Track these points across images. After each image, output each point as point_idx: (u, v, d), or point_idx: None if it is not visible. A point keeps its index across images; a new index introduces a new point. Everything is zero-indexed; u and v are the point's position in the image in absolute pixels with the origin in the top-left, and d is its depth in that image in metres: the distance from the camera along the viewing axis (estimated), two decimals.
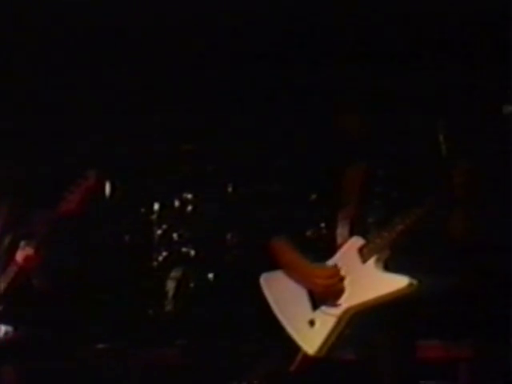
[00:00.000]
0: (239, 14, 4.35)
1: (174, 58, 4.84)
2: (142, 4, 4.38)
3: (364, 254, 2.89)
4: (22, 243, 3.22)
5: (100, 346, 4.45)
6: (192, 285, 4.59)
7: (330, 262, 2.95)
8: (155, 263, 4.80)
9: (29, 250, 3.19)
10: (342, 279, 2.89)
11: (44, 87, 4.69)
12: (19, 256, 3.22)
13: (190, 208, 4.89)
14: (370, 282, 2.85)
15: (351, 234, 2.96)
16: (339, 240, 2.98)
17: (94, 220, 4.93)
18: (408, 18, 4.13)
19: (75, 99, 4.83)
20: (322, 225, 3.05)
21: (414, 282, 2.79)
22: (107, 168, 4.84)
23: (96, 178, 3.10)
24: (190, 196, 4.88)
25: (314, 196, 3.07)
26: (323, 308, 2.91)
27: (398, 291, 2.79)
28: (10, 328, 3.30)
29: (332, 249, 2.98)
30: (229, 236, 4.73)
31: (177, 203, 4.93)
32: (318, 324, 2.90)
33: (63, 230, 3.17)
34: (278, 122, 4.71)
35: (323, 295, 2.91)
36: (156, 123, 4.97)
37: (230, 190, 4.84)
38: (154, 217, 4.96)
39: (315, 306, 2.94)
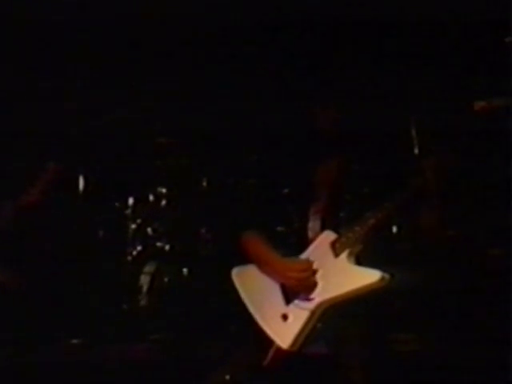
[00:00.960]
0: None
1: (146, 52, 4.83)
2: None
3: (336, 248, 2.89)
4: None
5: (74, 341, 4.43)
6: (166, 279, 4.59)
7: (303, 257, 2.95)
8: (129, 258, 4.79)
9: None
10: (314, 273, 2.89)
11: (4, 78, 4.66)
12: None
13: (164, 202, 4.89)
14: (342, 275, 2.85)
15: (323, 228, 2.96)
16: (311, 234, 2.98)
17: (67, 214, 4.93)
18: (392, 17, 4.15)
19: (43, 89, 4.81)
20: (294, 219, 3.05)
21: (386, 276, 2.80)
22: (80, 162, 4.85)
23: (54, 170, 3.11)
24: (164, 190, 4.88)
25: (285, 190, 3.07)
26: (296, 302, 2.91)
27: (371, 285, 2.79)
28: None
29: (304, 243, 2.97)
30: (203, 230, 4.74)
31: (151, 197, 4.93)
32: (291, 318, 2.90)
33: (28, 223, 3.17)
34: (253, 117, 4.72)
35: (296, 289, 2.91)
36: (130, 117, 4.95)
37: (204, 184, 4.84)
38: (128, 211, 4.95)
39: (288, 300, 2.93)
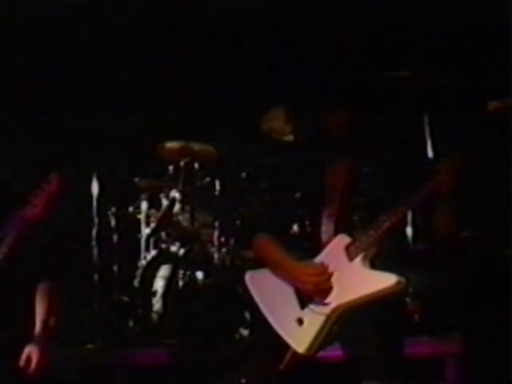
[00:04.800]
0: None
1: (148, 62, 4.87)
2: None
3: (351, 252, 2.88)
4: None
5: (89, 346, 4.44)
6: (181, 283, 4.58)
7: (317, 261, 2.94)
8: (144, 262, 4.79)
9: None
10: (329, 277, 2.88)
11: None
12: None
13: (178, 207, 4.89)
14: (357, 280, 2.84)
15: (336, 232, 2.95)
16: (324, 238, 2.97)
17: (80, 219, 4.95)
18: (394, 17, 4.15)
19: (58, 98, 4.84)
20: (307, 223, 3.04)
21: (402, 279, 2.79)
22: (94, 166, 4.87)
23: (58, 181, 3.09)
24: (177, 195, 4.87)
25: (298, 194, 3.06)
26: (311, 306, 2.90)
27: (386, 289, 2.78)
28: None
29: (318, 247, 2.96)
30: (216, 234, 4.73)
31: (165, 202, 4.93)
32: (306, 322, 2.89)
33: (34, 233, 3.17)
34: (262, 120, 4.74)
35: (311, 293, 2.90)
36: (141, 122, 4.97)
37: (217, 187, 4.83)
38: (141, 216, 4.96)
39: (303, 304, 2.92)
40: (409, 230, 3.45)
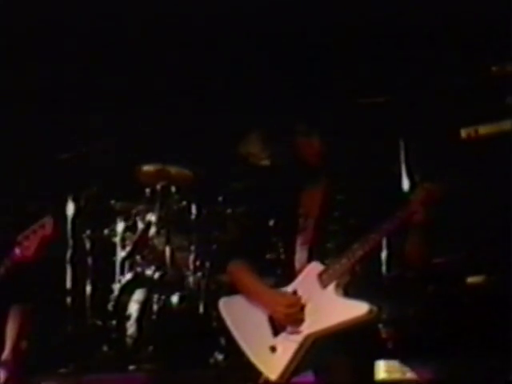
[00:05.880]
0: None
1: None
2: None
3: (324, 280, 2.89)
4: None
5: (62, 370, 4.40)
6: (155, 307, 4.56)
7: (290, 288, 2.95)
8: (118, 285, 4.76)
9: None
10: (302, 308, 2.89)
11: None
12: None
13: (153, 230, 4.87)
14: (330, 308, 2.85)
15: (310, 259, 2.96)
16: (298, 265, 2.98)
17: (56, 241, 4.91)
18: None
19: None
20: (281, 250, 3.05)
21: (374, 308, 2.80)
22: (69, 188, 4.85)
23: (53, 226, 3.05)
24: (153, 218, 4.86)
25: (272, 221, 3.07)
26: (284, 334, 2.91)
27: (358, 318, 2.79)
28: None
29: (291, 274, 2.97)
30: (191, 258, 4.72)
31: (140, 225, 4.91)
32: (279, 350, 2.90)
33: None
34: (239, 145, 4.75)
35: (283, 322, 2.91)
36: (117, 145, 4.96)
37: (193, 211, 4.83)
38: (117, 238, 4.94)
39: (276, 331, 2.93)
40: (383, 256, 3.47)
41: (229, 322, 3.03)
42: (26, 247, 3.03)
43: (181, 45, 4.95)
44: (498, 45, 3.86)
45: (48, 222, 3.05)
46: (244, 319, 3.00)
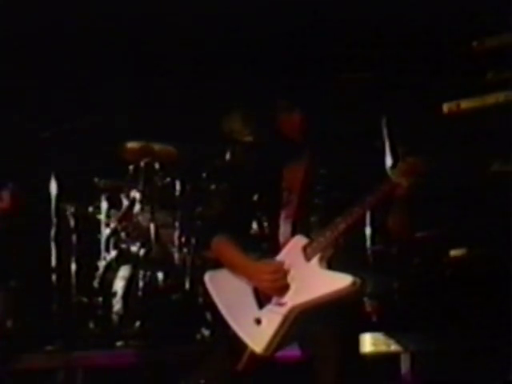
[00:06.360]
0: None
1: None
2: None
3: (308, 253, 2.90)
4: None
5: (48, 347, 4.42)
6: (141, 284, 4.58)
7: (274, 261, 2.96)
8: (103, 262, 4.77)
9: None
10: (286, 274, 2.90)
11: None
12: None
13: (138, 207, 4.88)
14: (314, 280, 2.87)
15: (294, 233, 2.98)
16: (282, 240, 3.00)
17: (41, 218, 4.91)
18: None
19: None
20: (265, 224, 3.06)
21: (358, 280, 2.82)
22: (52, 166, 4.83)
23: (10, 198, 3.05)
24: (137, 195, 4.86)
25: (256, 195, 3.08)
26: (269, 306, 2.92)
27: (342, 290, 2.81)
28: None
29: (275, 248, 2.99)
30: (177, 234, 4.74)
31: (125, 202, 4.91)
32: (264, 322, 2.91)
33: None
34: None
35: (268, 292, 2.92)
36: (101, 122, 4.95)
37: (177, 188, 4.83)
38: (101, 216, 4.94)
39: (261, 304, 2.95)
40: (368, 231, 3.50)
41: (214, 296, 3.04)
42: None
43: (167, 22, 4.93)
44: (478, 20, 3.87)
45: (5, 194, 3.06)
46: (229, 293, 3.01)
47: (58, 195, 4.87)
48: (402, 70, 4.19)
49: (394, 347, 3.62)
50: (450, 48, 4.01)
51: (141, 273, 4.59)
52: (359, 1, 4.31)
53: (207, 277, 3.10)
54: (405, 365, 3.54)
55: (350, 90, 3.87)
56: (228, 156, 4.74)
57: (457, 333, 3.57)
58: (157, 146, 4.97)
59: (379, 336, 3.60)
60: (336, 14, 4.34)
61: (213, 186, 4.73)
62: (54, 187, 4.85)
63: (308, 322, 2.89)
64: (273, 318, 2.90)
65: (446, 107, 3.78)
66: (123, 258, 4.76)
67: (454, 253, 3.91)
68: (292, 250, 2.95)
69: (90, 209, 4.99)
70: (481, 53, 3.88)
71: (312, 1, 4.46)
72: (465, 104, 3.82)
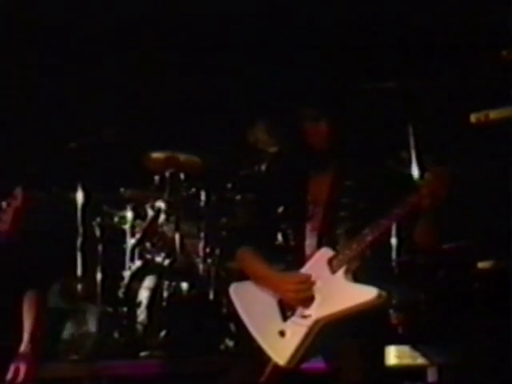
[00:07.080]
0: None
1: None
2: None
3: (333, 265, 2.88)
4: None
5: (73, 357, 4.43)
6: (166, 294, 4.57)
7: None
8: (128, 272, 4.78)
9: None
10: (311, 286, 2.88)
11: None
12: None
13: (163, 217, 4.89)
14: (339, 293, 2.84)
15: (320, 245, 2.96)
16: (308, 251, 2.98)
17: (67, 228, 4.94)
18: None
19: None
20: (291, 236, 3.04)
21: (383, 293, 2.79)
22: (79, 176, 4.87)
23: (23, 197, 3.05)
24: (163, 205, 4.87)
25: (281, 207, 3.07)
26: (293, 319, 2.90)
27: (367, 303, 2.79)
28: None
29: (301, 261, 2.97)
30: (201, 245, 4.73)
31: (150, 212, 4.92)
32: (288, 334, 2.89)
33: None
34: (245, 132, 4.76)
35: (293, 303, 2.90)
36: (127, 132, 4.98)
37: (202, 198, 4.84)
38: (127, 226, 4.95)
39: (285, 316, 2.93)
40: (394, 242, 3.46)
41: (238, 308, 3.03)
42: (3, 221, 3.04)
43: (193, 32, 4.95)
44: (508, 28, 3.83)
45: (18, 192, 3.06)
46: (253, 304, 3.00)
47: (84, 205, 4.91)
48: (428, 80, 4.15)
49: (420, 360, 3.57)
50: (479, 57, 3.97)
51: (165, 283, 4.59)
52: (387, 12, 4.29)
53: (232, 288, 3.09)
54: (431, 378, 3.50)
55: (375, 100, 3.84)
56: (253, 166, 4.74)
57: (484, 346, 3.52)
58: (182, 157, 4.98)
59: (405, 349, 3.56)
60: (364, 24, 4.33)
61: (238, 197, 4.73)
62: (80, 197, 4.89)
63: (332, 334, 2.86)
64: (297, 330, 2.88)
65: (473, 117, 3.74)
66: (148, 268, 4.76)
67: (481, 265, 3.86)
68: (318, 262, 2.93)
69: (116, 219, 5.00)
70: (510, 62, 3.83)
71: (339, 12, 4.45)
72: (494, 114, 3.78)
